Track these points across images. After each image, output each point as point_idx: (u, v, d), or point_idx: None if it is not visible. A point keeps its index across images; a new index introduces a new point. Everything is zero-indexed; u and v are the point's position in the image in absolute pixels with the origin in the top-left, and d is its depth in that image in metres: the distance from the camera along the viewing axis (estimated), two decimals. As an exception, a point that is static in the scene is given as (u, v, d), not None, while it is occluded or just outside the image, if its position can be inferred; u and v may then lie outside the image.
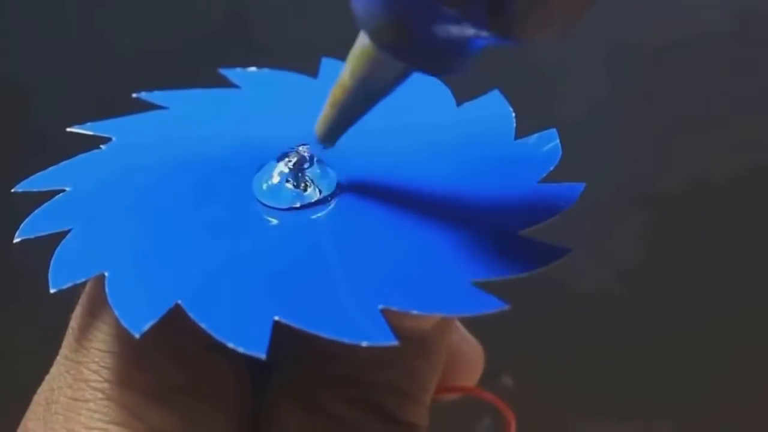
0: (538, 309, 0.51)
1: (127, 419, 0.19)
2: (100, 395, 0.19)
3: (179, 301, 0.17)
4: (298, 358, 0.20)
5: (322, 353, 0.20)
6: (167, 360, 0.19)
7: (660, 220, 0.51)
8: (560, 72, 0.48)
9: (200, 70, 0.26)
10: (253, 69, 0.26)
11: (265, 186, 0.21)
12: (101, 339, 0.20)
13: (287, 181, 0.21)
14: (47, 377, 0.21)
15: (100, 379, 0.19)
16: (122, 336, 0.19)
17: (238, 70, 0.26)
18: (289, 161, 0.21)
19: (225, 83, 0.26)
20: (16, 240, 0.20)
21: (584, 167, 0.47)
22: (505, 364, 0.26)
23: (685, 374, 0.53)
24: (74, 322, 0.21)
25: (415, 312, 0.17)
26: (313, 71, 0.26)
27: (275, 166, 0.21)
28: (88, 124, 0.23)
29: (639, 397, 0.53)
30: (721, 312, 0.52)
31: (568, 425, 0.54)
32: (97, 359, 0.19)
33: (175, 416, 0.19)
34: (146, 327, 0.17)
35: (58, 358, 0.21)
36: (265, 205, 0.21)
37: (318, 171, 0.21)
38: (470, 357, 0.25)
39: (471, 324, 0.25)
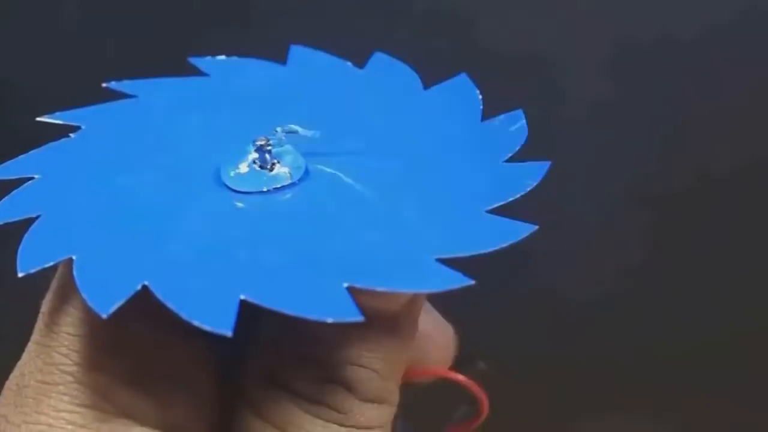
0: (538, 312, 0.51)
1: (97, 402, 0.19)
2: (69, 378, 0.19)
3: (146, 283, 0.18)
4: (267, 338, 0.20)
5: (292, 333, 0.20)
6: (136, 343, 0.20)
7: (663, 219, 0.51)
8: (561, 71, 0.49)
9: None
10: (222, 57, 0.26)
11: (232, 172, 0.21)
12: (71, 323, 0.20)
13: (254, 162, 0.21)
14: (19, 363, 0.21)
15: (69, 362, 0.20)
16: (91, 320, 0.20)
17: (207, 58, 0.26)
18: (257, 143, 0.21)
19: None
20: None
21: (584, 165, 0.48)
22: (480, 349, 0.26)
23: (687, 372, 0.53)
24: (45, 307, 0.21)
25: (380, 289, 0.18)
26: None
27: (243, 151, 0.22)
28: (57, 113, 0.23)
29: (638, 396, 0.53)
30: (724, 311, 0.52)
31: (564, 422, 0.54)
32: (66, 343, 0.20)
33: (144, 398, 0.20)
34: (113, 308, 0.17)
35: (30, 343, 0.21)
36: (232, 189, 0.21)
37: (285, 153, 0.22)
38: (442, 340, 0.25)
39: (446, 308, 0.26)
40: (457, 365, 0.26)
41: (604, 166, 0.50)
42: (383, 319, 0.20)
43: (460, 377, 0.24)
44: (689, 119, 0.49)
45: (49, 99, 0.45)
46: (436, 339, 0.24)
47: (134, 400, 0.20)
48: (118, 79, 0.25)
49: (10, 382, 0.21)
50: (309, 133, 0.22)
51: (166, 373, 0.20)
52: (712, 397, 0.53)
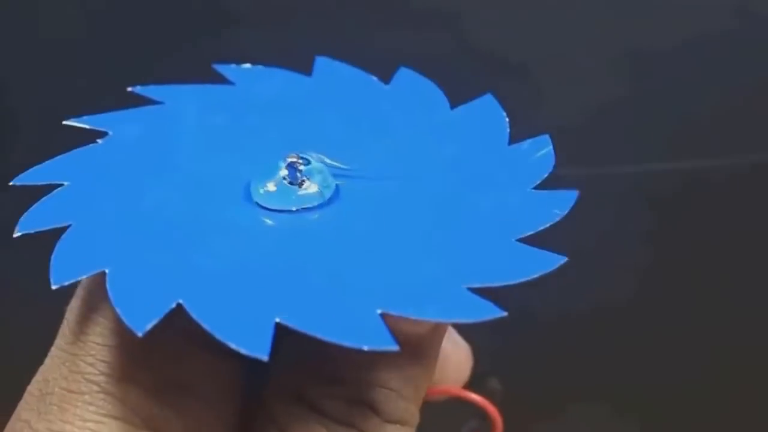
0: (548, 328, 0.52)
1: (123, 412, 0.20)
2: (95, 388, 0.20)
3: (180, 301, 0.18)
4: (294, 356, 0.21)
5: (318, 352, 0.20)
6: (164, 356, 0.20)
7: (664, 223, 0.51)
8: (561, 74, 0.49)
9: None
10: (247, 65, 0.27)
11: (261, 189, 0.22)
12: (98, 332, 0.20)
13: (284, 179, 0.22)
14: (41, 368, 0.21)
15: (95, 371, 0.20)
16: (119, 330, 0.20)
17: (232, 66, 0.26)
18: (288, 160, 0.22)
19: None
20: (16, 235, 0.20)
21: (584, 169, 0.48)
22: (494, 368, 0.27)
23: (685, 380, 0.53)
24: (70, 314, 0.21)
25: (414, 317, 0.18)
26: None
27: (273, 167, 0.22)
28: (85, 117, 0.24)
29: (658, 416, 0.54)
30: (726, 318, 0.52)
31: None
32: (93, 352, 0.20)
33: (169, 411, 0.20)
34: (149, 326, 0.17)
35: (53, 349, 0.21)
36: (262, 206, 0.21)
37: (316, 171, 0.22)
38: (459, 359, 0.26)
39: (461, 327, 0.26)
40: (470, 383, 0.26)
41: (602, 168, 0.51)
42: (410, 343, 0.20)
43: (476, 397, 0.25)
44: (690, 123, 0.50)
45: (55, 97, 0.45)
46: (453, 358, 0.25)
47: (160, 413, 0.20)
48: (144, 83, 0.25)
49: (32, 387, 0.21)
50: (342, 165, 0.22)
51: (193, 386, 0.20)
52: (714, 410, 0.54)
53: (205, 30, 0.46)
